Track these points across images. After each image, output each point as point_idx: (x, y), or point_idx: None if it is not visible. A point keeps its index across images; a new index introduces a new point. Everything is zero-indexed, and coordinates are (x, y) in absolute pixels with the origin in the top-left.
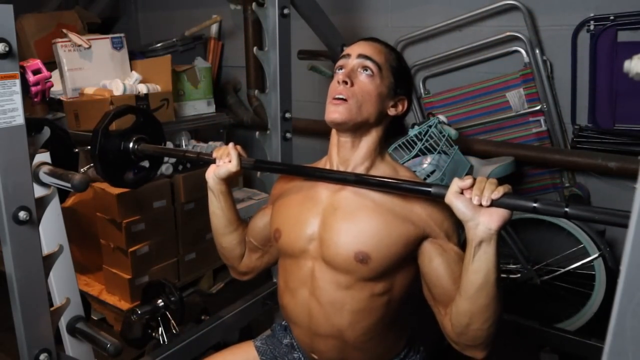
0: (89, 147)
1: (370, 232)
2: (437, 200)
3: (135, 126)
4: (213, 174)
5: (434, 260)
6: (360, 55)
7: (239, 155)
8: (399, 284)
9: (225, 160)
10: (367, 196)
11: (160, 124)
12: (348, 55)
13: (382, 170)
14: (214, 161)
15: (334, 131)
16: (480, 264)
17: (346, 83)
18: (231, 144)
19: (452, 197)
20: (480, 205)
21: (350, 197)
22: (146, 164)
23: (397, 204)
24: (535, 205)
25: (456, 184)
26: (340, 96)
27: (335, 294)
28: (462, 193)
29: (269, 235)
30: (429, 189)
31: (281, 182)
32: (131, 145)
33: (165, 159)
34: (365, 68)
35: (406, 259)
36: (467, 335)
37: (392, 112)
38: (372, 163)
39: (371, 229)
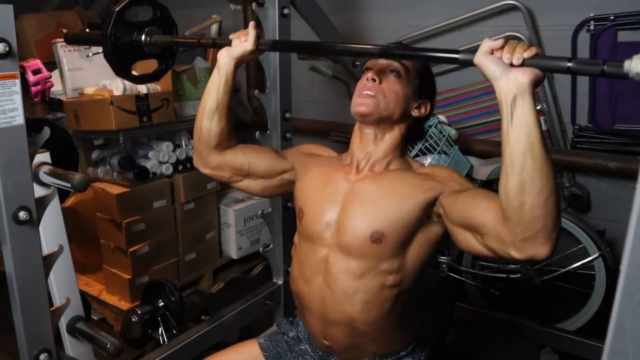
0: (101, 30)
1: (386, 211)
2: (447, 169)
3: (151, 21)
4: (227, 52)
5: (458, 200)
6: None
7: (257, 35)
8: (408, 275)
9: (243, 39)
10: (384, 180)
11: (176, 24)
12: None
13: (399, 165)
14: (229, 44)
15: (356, 126)
16: (520, 125)
17: (374, 81)
18: (252, 23)
19: (481, 57)
20: (511, 65)
21: (369, 184)
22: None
23: (411, 181)
24: (569, 65)
25: (487, 43)
26: (368, 92)
27: (347, 282)
28: (492, 54)
29: (263, 173)
30: (456, 56)
31: (306, 150)
32: (143, 37)
33: (165, 159)
34: (393, 70)
35: (418, 230)
36: (523, 220)
37: (415, 113)
38: (393, 159)
39: (386, 207)
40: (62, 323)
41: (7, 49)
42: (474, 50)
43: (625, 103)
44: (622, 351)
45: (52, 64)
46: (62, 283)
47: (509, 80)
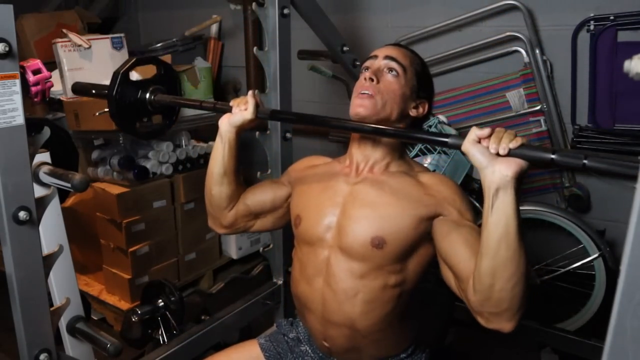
0: (106, 90)
1: (387, 218)
2: (450, 185)
3: (154, 78)
4: (227, 120)
5: (450, 234)
6: (387, 57)
7: (256, 104)
8: (410, 278)
9: (242, 107)
10: (384, 185)
11: (178, 80)
12: (375, 57)
13: (399, 167)
14: (230, 110)
15: None
16: (499, 214)
17: (372, 80)
18: (250, 92)
19: (469, 145)
20: (497, 154)
21: (369, 187)
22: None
23: (412, 190)
24: (553, 156)
25: (474, 132)
26: (366, 91)
27: (349, 283)
28: (479, 142)
29: (269, 208)
30: (446, 140)
31: (299, 166)
32: (148, 95)
33: (165, 159)
34: (391, 69)
35: (419, 244)
36: (491, 299)
37: (413, 113)
38: (392, 160)
39: (388, 214)
40: (62, 323)
41: (7, 49)
42: (462, 137)
43: (625, 103)
44: (622, 351)
45: (52, 64)
46: (62, 283)
47: (494, 172)
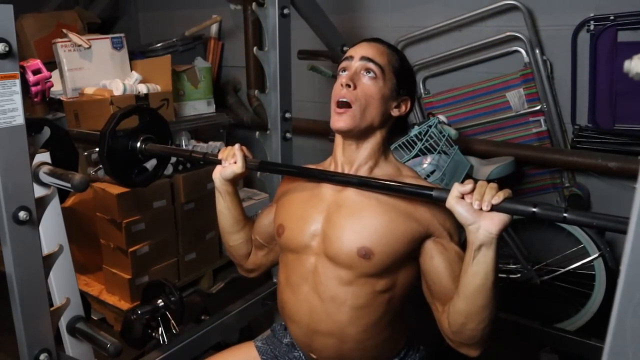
0: (97, 149)
1: (374, 229)
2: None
3: (142, 125)
4: (219, 175)
5: (435, 259)
6: (362, 58)
7: (244, 157)
8: (400, 282)
9: (231, 161)
10: (371, 194)
11: (167, 123)
12: (351, 57)
13: (385, 169)
14: (219, 162)
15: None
16: (479, 267)
17: (349, 86)
18: (237, 146)
19: (453, 202)
20: (481, 209)
21: (355, 195)
22: (151, 163)
23: (401, 202)
24: (534, 210)
25: (457, 189)
26: (344, 99)
27: (336, 290)
28: (462, 198)
29: (273, 233)
30: (431, 193)
31: (286, 181)
32: (138, 145)
33: None
34: (368, 70)
35: (408, 257)
36: (463, 334)
37: (395, 112)
38: (376, 162)
39: (375, 225)
40: (62, 323)
41: (7, 49)
42: (447, 190)
43: (625, 103)
44: (622, 351)
45: (52, 64)
46: (62, 283)
47: (478, 229)
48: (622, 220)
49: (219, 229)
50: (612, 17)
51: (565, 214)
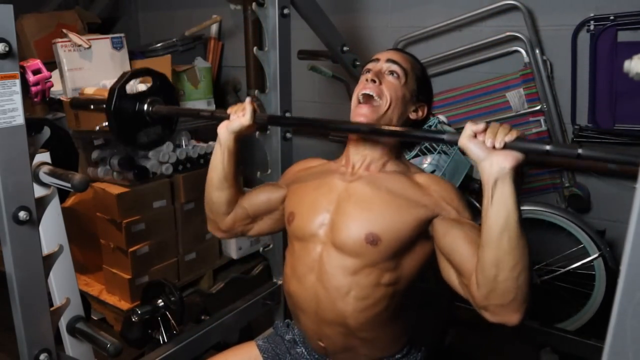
0: (105, 105)
1: (382, 215)
2: (447, 185)
3: (151, 90)
4: (225, 127)
5: (449, 233)
6: (388, 60)
7: (254, 110)
8: (404, 276)
9: (240, 114)
10: (381, 185)
11: (175, 89)
12: (377, 60)
13: (396, 167)
14: (228, 117)
15: None
16: (499, 205)
17: (374, 81)
18: (248, 98)
19: (465, 140)
20: (494, 147)
21: (365, 185)
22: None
23: (410, 191)
24: (547, 148)
25: (470, 127)
26: (369, 92)
27: (341, 280)
28: (475, 137)
29: (265, 210)
30: (442, 136)
31: (296, 168)
32: (146, 106)
33: (165, 159)
34: (392, 72)
35: (415, 243)
36: (496, 291)
37: (413, 116)
38: (389, 161)
39: (383, 212)
40: (62, 323)
41: (7, 49)
42: (458, 132)
43: (625, 103)
44: (622, 351)
45: (52, 64)
46: (62, 283)
47: (492, 164)
48: (634, 154)
49: (206, 182)
50: (612, 17)
51: (579, 150)
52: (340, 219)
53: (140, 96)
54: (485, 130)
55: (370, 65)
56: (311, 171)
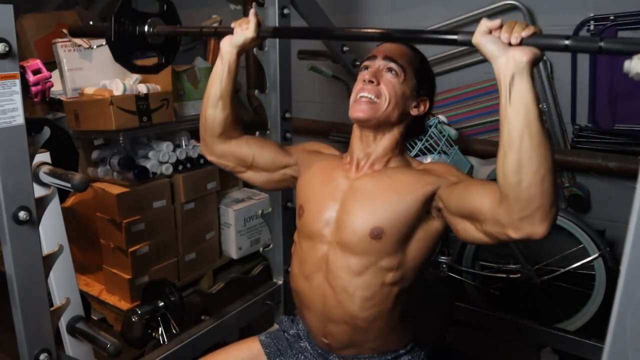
0: (105, 22)
1: (385, 207)
2: (446, 164)
3: (156, 14)
4: (229, 40)
5: (455, 191)
6: (385, 57)
7: (258, 22)
8: (409, 273)
9: (244, 27)
10: (383, 176)
11: (179, 19)
12: (374, 57)
13: (398, 162)
14: (232, 32)
15: (355, 126)
16: (518, 103)
17: (372, 82)
18: (252, 10)
19: (480, 37)
20: (510, 44)
21: (368, 181)
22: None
23: (410, 177)
24: (567, 42)
25: (485, 23)
26: (366, 94)
27: (347, 280)
28: (490, 33)
29: (264, 166)
30: (455, 37)
31: (309, 147)
32: (147, 27)
33: (165, 159)
34: (390, 69)
35: (417, 226)
36: (520, 198)
37: (414, 112)
38: (392, 157)
39: (385, 203)
40: (62, 323)
41: (7, 49)
42: (472, 32)
43: (625, 103)
44: (622, 351)
45: (52, 64)
46: (62, 283)
47: (508, 60)
48: None
49: (203, 97)
50: (612, 17)
51: (601, 44)
52: (345, 217)
53: (144, 15)
54: (501, 26)
55: (367, 63)
56: (321, 159)
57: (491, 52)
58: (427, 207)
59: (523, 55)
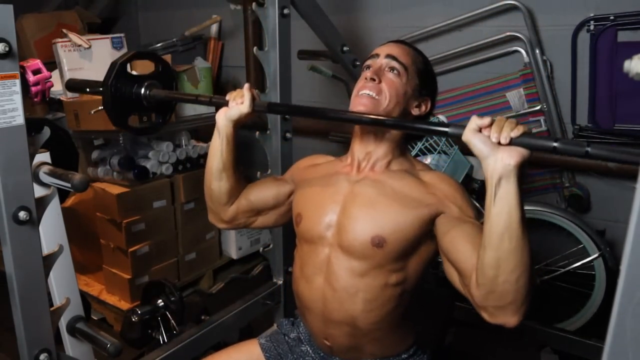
0: (101, 88)
1: (388, 217)
2: (452, 183)
3: (152, 75)
4: (224, 115)
5: (452, 231)
6: (388, 56)
7: (253, 98)
8: (411, 276)
9: (239, 101)
10: (386, 184)
11: (175, 78)
12: (377, 55)
13: (401, 165)
14: (226, 104)
15: (356, 126)
16: (502, 203)
17: (374, 80)
18: (246, 85)
19: (469, 135)
20: (499, 143)
21: (369, 186)
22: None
23: (414, 189)
24: (555, 144)
25: (474, 121)
26: (367, 91)
27: (349, 281)
28: (480, 131)
29: (272, 205)
30: (446, 129)
31: (302, 164)
32: (143, 90)
33: (165, 159)
34: (392, 68)
35: (420, 243)
36: (495, 291)
37: (415, 112)
38: (393, 158)
39: (388, 213)
40: (62, 323)
41: (7, 49)
42: (462, 126)
43: (625, 103)
44: (622, 351)
45: (52, 64)
46: (62, 283)
47: (496, 161)
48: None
49: (205, 171)
50: (612, 17)
51: (587, 148)
52: (347, 222)
53: (139, 79)
54: (490, 124)
55: (369, 62)
56: (317, 170)
57: (480, 151)
58: (429, 228)
59: (511, 159)
